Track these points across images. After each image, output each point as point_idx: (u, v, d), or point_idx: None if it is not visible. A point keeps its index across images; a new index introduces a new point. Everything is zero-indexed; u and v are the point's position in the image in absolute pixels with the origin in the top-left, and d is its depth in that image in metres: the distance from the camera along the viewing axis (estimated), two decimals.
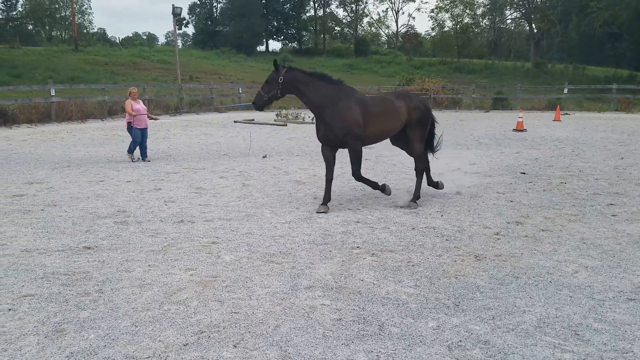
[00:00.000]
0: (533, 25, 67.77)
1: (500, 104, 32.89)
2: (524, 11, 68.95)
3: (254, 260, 5.07)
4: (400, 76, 39.72)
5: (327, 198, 7.32)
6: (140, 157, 11.72)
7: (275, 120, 23.66)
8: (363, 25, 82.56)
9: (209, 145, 14.83)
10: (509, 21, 74.34)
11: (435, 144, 8.37)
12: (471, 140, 15.88)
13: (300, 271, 4.78)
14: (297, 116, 24.19)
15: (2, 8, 45.26)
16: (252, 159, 11.96)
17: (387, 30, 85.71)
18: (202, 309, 3.94)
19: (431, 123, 7.92)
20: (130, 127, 11.77)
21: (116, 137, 16.37)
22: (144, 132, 11.85)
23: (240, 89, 31.93)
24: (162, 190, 8.40)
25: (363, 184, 7.61)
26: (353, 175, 7.30)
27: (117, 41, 66.57)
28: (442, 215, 6.88)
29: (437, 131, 8.38)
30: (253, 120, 23.44)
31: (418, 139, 7.67)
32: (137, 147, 11.78)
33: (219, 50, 62.19)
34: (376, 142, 7.73)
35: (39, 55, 40.81)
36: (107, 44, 59.86)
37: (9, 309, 3.88)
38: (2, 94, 20.38)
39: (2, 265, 4.81)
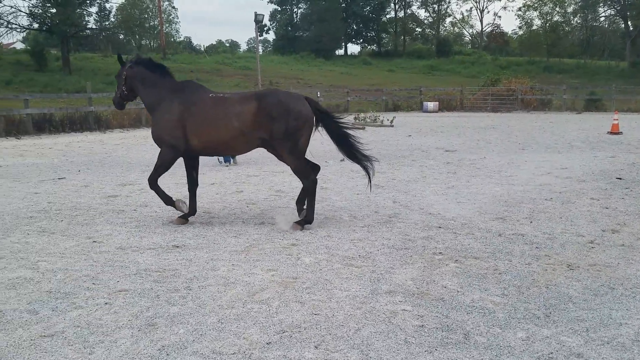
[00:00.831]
0: (629, 22, 63.72)
1: (593, 105, 31.25)
2: (618, 8, 64.98)
3: (333, 262, 5.12)
4: (485, 76, 38.69)
5: (190, 209, 6.65)
6: (223, 161, 12.07)
7: (353, 123, 23.69)
8: (445, 25, 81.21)
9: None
10: (602, 19, 70.34)
11: (354, 148, 6.55)
12: (562, 144, 15.18)
13: (380, 275, 4.77)
14: (375, 119, 24.13)
15: (96, 19, 48.61)
16: (330, 163, 12.06)
17: (471, 30, 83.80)
18: (284, 309, 4.03)
19: (333, 124, 6.44)
20: None
21: None
22: None
23: (318, 92, 32.32)
24: (243, 193, 8.67)
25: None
26: (148, 180, 6.52)
27: (202, 49, 69.38)
28: (531, 222, 6.62)
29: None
30: None
31: (287, 151, 6.14)
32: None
33: (298, 55, 63.30)
34: (216, 154, 6.84)
35: None
36: (192, 52, 62.58)
37: (105, 303, 4.15)
38: (97, 100, 21.81)
39: (99, 262, 5.15)
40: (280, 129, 6.00)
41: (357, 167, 11.20)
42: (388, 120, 23.40)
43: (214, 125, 6.07)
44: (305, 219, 6.40)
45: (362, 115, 24.75)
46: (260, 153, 13.96)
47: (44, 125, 19.25)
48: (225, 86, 36.35)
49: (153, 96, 6.40)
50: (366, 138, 18.20)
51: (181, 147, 6.22)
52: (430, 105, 32.59)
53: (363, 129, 21.82)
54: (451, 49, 68.98)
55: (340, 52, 74.82)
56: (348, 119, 25.83)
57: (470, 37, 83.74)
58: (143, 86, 6.47)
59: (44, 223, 6.69)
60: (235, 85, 39.15)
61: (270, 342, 3.50)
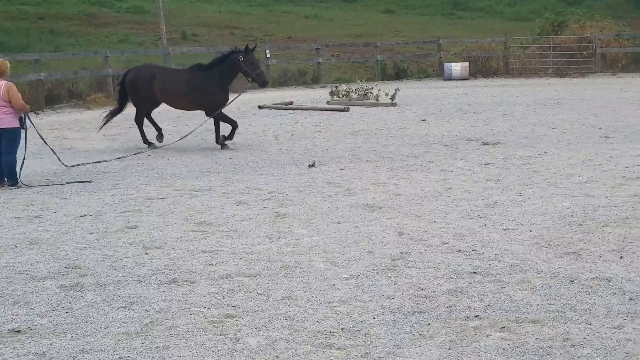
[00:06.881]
0: None
1: None
2: None
3: (298, 343, 5.03)
4: (542, 19, 38.73)
5: None
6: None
7: (329, 102, 23.17)
8: None
9: (215, 147, 14.95)
10: None
11: None
12: None
13: None
14: (365, 93, 23.56)
15: None
16: (291, 170, 11.97)
17: None
18: None
19: None
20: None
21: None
22: None
23: (267, 51, 31.20)
24: (139, 229, 8.46)
25: None
26: None
27: None
28: (621, 258, 6.72)
29: None
30: (291, 103, 22.90)
31: None
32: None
33: None
34: None
35: None
36: None
37: None
38: None
39: None
40: None
41: (336, 178, 11.15)
42: (387, 94, 22.35)
43: None
44: None
45: (343, 88, 23.85)
46: (165, 159, 13.80)
47: None
48: (105, 43, 34.89)
49: None
50: (351, 126, 17.97)
51: None
52: (456, 68, 32.24)
53: (346, 110, 21.10)
54: None
55: None
56: (320, 94, 25.38)
57: None
58: None
59: None
60: (120, 40, 37.72)
61: None
